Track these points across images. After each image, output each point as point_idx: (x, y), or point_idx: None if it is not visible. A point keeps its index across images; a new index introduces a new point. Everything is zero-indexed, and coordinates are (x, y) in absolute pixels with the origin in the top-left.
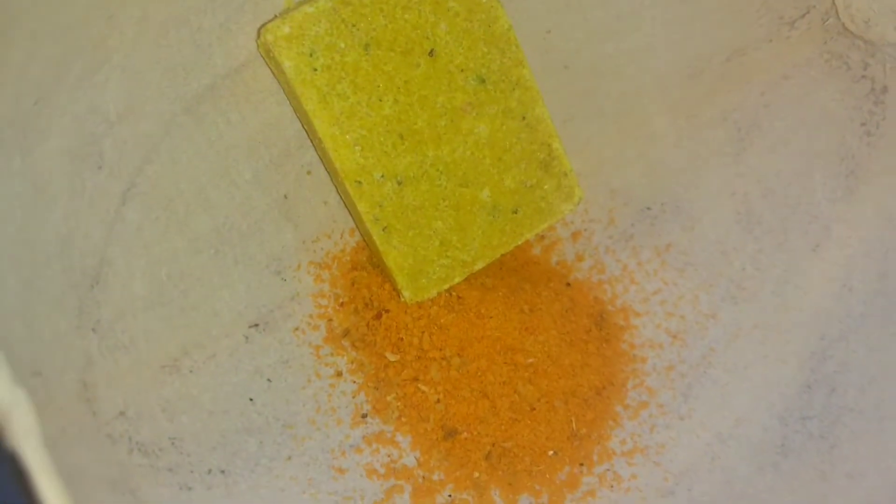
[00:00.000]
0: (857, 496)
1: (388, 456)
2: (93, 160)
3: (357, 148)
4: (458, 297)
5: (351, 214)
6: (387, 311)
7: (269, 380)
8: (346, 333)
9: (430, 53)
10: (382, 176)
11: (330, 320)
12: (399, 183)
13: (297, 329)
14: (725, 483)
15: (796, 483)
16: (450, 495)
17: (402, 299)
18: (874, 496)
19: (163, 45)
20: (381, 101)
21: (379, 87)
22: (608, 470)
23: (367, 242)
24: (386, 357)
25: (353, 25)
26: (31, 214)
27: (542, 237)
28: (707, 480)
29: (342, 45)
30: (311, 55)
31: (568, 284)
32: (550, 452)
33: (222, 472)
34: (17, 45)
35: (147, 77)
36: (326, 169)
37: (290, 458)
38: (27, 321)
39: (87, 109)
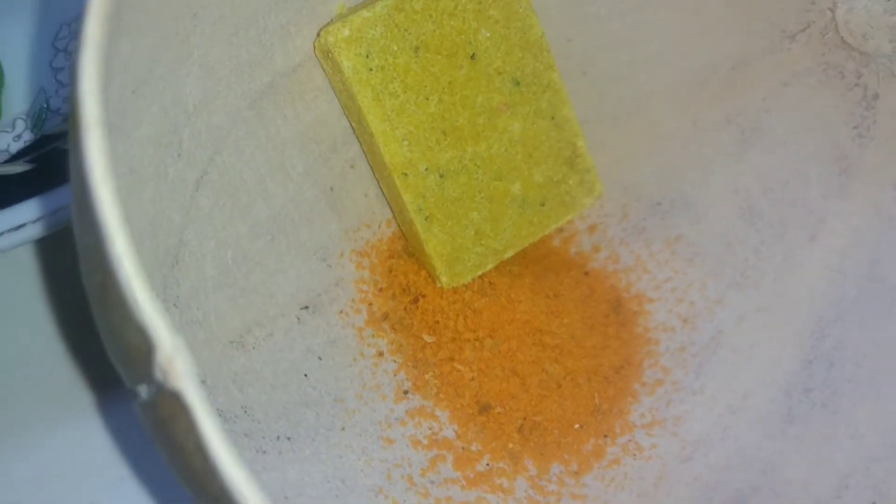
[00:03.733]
0: (859, 454)
1: (430, 429)
2: (173, 148)
3: (405, 143)
4: (490, 283)
5: (390, 205)
6: (423, 296)
7: (319, 358)
8: (386, 317)
9: (472, 57)
10: (426, 169)
11: (371, 304)
12: (441, 176)
13: (341, 312)
14: (737, 449)
15: (803, 446)
16: (488, 464)
17: (439, 285)
18: (874, 451)
19: (234, 44)
20: (427, 99)
21: (426, 86)
22: (630, 441)
23: (404, 232)
24: (423, 339)
25: (406, 30)
26: (128, 196)
27: (561, 230)
28: (721, 448)
29: (395, 48)
30: (367, 56)
31: (586, 273)
32: (577, 426)
33: (289, 438)
34: (125, 36)
35: (219, 73)
36: (369, 163)
37: (343, 428)
38: None
39: (172, 100)
